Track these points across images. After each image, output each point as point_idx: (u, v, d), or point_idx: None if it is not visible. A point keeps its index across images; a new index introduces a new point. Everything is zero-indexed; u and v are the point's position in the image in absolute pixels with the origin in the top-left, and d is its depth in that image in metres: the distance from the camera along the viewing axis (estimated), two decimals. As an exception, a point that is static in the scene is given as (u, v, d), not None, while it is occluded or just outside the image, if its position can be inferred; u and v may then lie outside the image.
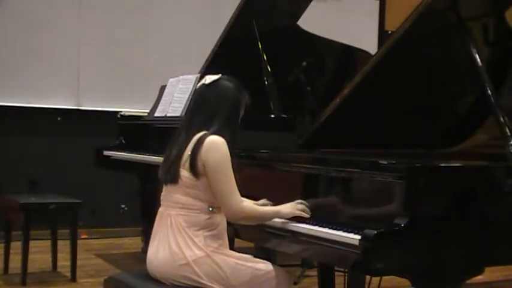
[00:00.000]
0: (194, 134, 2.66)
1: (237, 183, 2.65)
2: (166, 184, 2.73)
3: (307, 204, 2.68)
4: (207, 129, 2.66)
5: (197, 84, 4.36)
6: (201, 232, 2.64)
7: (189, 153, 2.64)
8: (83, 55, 6.34)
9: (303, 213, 2.65)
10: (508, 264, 2.70)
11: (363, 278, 3.28)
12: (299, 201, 2.70)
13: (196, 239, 2.62)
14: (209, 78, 2.78)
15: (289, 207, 2.68)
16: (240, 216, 2.68)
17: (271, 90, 4.52)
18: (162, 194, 2.75)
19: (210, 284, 2.60)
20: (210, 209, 2.66)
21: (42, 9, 6.17)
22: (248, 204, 2.70)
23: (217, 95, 2.74)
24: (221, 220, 2.71)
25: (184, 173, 2.65)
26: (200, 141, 2.63)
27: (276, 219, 2.70)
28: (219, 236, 2.69)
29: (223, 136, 2.65)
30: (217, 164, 2.60)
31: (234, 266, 2.64)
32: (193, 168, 2.62)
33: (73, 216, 4.51)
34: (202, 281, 2.59)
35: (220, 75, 2.80)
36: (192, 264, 2.59)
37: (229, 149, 2.64)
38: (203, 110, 2.73)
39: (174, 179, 2.67)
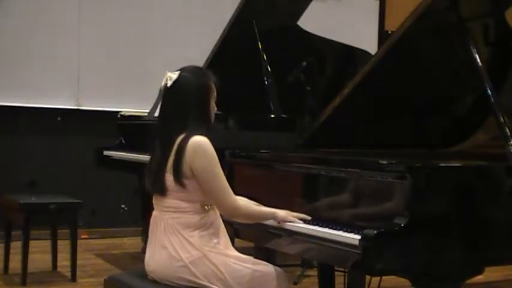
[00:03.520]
0: (174, 139, 2.60)
1: (229, 182, 2.62)
2: (154, 194, 2.70)
3: (305, 217, 2.66)
4: (185, 131, 2.60)
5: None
6: (196, 232, 2.61)
7: (173, 158, 2.58)
8: (83, 55, 6.33)
9: (297, 220, 2.63)
10: (508, 264, 2.70)
11: (363, 278, 3.28)
12: (296, 214, 2.67)
13: (191, 240, 2.60)
14: (169, 79, 2.68)
15: (284, 211, 2.67)
16: (234, 214, 2.67)
17: (271, 90, 4.53)
18: (154, 198, 2.72)
19: (209, 284, 2.58)
20: (206, 207, 2.64)
21: (42, 9, 6.17)
22: (243, 202, 2.69)
23: (181, 94, 2.66)
24: (215, 217, 2.68)
25: (171, 177, 2.60)
26: (183, 145, 2.57)
27: (276, 219, 2.71)
28: (215, 234, 2.66)
29: (203, 134, 2.59)
30: (205, 166, 2.56)
31: (232, 267, 2.61)
32: (179, 173, 2.57)
33: (73, 216, 4.51)
34: (201, 282, 2.58)
35: (179, 71, 2.71)
36: (189, 265, 2.58)
37: (212, 144, 2.58)
38: (173, 112, 2.66)
39: (161, 189, 2.63)
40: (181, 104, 2.66)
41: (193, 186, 2.59)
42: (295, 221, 2.63)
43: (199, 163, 2.56)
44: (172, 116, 2.66)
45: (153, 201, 2.72)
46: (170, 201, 2.63)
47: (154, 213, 2.72)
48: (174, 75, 2.68)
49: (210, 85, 2.71)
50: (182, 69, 2.72)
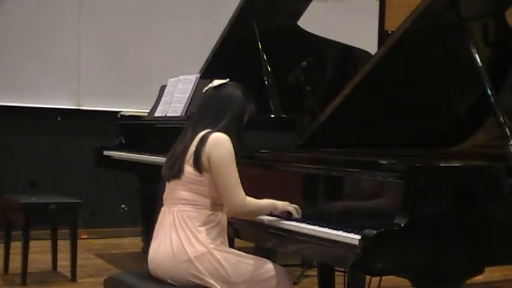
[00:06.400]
0: (198, 132, 2.72)
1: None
2: (169, 180, 2.76)
3: (299, 210, 2.70)
4: (212, 128, 2.72)
5: (196, 84, 4.40)
6: (203, 228, 2.66)
7: (194, 149, 2.68)
8: (83, 55, 6.33)
9: (294, 211, 2.69)
10: (508, 264, 2.71)
11: (363, 278, 3.28)
12: (293, 205, 2.73)
13: (199, 235, 2.65)
14: (217, 82, 2.84)
15: (281, 202, 2.72)
16: (242, 210, 2.71)
17: (271, 90, 4.52)
18: (165, 192, 2.78)
19: (211, 281, 2.61)
20: (216, 206, 2.70)
21: (42, 9, 6.17)
22: (250, 198, 2.73)
23: (224, 98, 2.81)
24: (223, 218, 2.75)
25: (189, 168, 2.68)
26: (205, 138, 2.68)
27: (275, 218, 2.72)
28: (220, 234, 2.72)
29: (228, 134, 2.69)
30: (222, 158, 2.65)
31: (235, 264, 2.66)
32: (198, 164, 2.66)
33: (73, 216, 4.52)
34: (204, 278, 2.62)
35: (228, 79, 2.86)
36: (193, 260, 2.62)
37: (234, 148, 2.68)
38: (210, 111, 2.79)
39: (177, 174, 2.71)
40: (219, 105, 2.79)
41: (208, 180, 2.67)
42: (293, 212, 2.69)
43: (216, 155, 2.65)
44: (206, 114, 2.79)
45: (164, 196, 2.79)
46: (183, 192, 2.69)
47: (163, 208, 2.78)
48: (222, 81, 2.84)
49: (247, 109, 2.84)
50: (231, 82, 2.87)
